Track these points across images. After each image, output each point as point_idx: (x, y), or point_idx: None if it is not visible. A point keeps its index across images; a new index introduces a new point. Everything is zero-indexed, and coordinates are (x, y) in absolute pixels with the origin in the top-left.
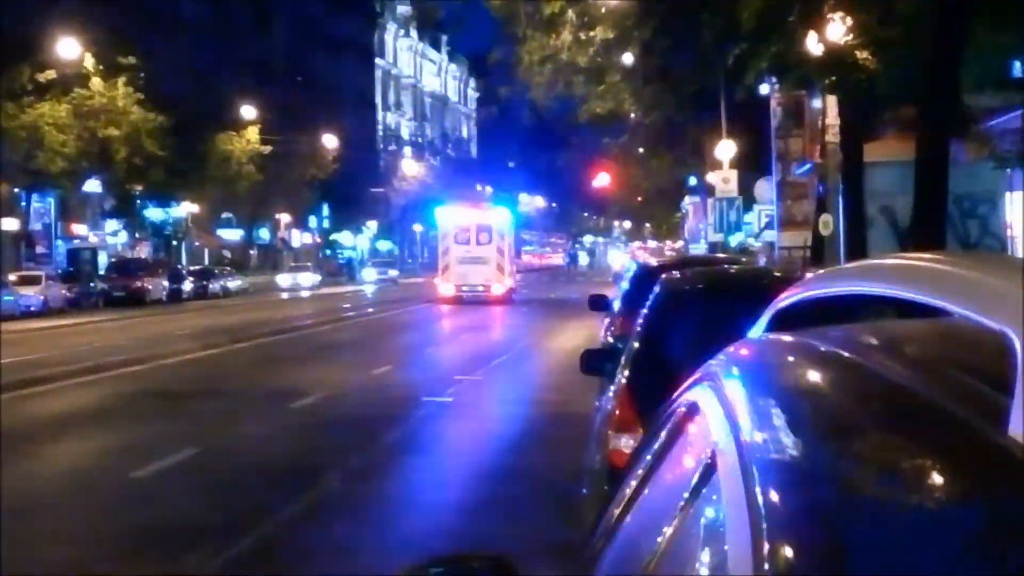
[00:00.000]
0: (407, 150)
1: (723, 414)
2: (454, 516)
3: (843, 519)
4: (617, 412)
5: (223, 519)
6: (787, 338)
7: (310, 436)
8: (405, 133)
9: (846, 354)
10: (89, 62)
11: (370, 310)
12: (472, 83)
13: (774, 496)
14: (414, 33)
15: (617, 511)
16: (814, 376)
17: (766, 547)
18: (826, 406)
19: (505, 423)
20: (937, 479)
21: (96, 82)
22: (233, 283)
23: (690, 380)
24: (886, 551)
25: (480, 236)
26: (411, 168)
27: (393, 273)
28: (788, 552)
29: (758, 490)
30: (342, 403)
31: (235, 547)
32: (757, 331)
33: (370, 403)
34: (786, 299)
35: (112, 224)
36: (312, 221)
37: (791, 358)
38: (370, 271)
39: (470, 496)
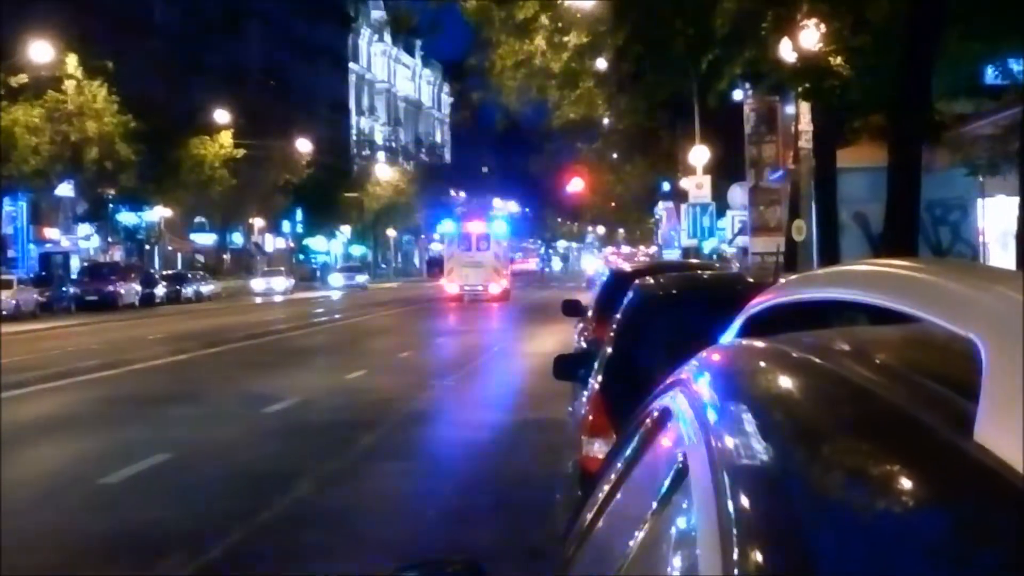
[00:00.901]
0: (381, 155)
1: (695, 419)
2: (425, 522)
3: (812, 524)
4: (590, 417)
5: (194, 526)
6: (759, 343)
7: (283, 441)
8: (379, 138)
9: (817, 360)
10: (72, 64)
11: (344, 315)
12: (446, 88)
13: (744, 501)
14: (388, 38)
15: (589, 516)
16: (785, 382)
17: (736, 552)
18: (796, 411)
19: (478, 429)
20: (905, 484)
21: (71, 84)
22: (206, 287)
23: (662, 385)
24: (854, 556)
25: (480, 243)
26: (385, 173)
27: (362, 279)
28: (758, 557)
29: (728, 495)
30: (315, 408)
31: (205, 555)
32: (729, 336)
33: (343, 408)
34: (758, 305)
35: (85, 228)
36: (285, 226)
37: (762, 363)
38: (337, 277)
39: (443, 502)
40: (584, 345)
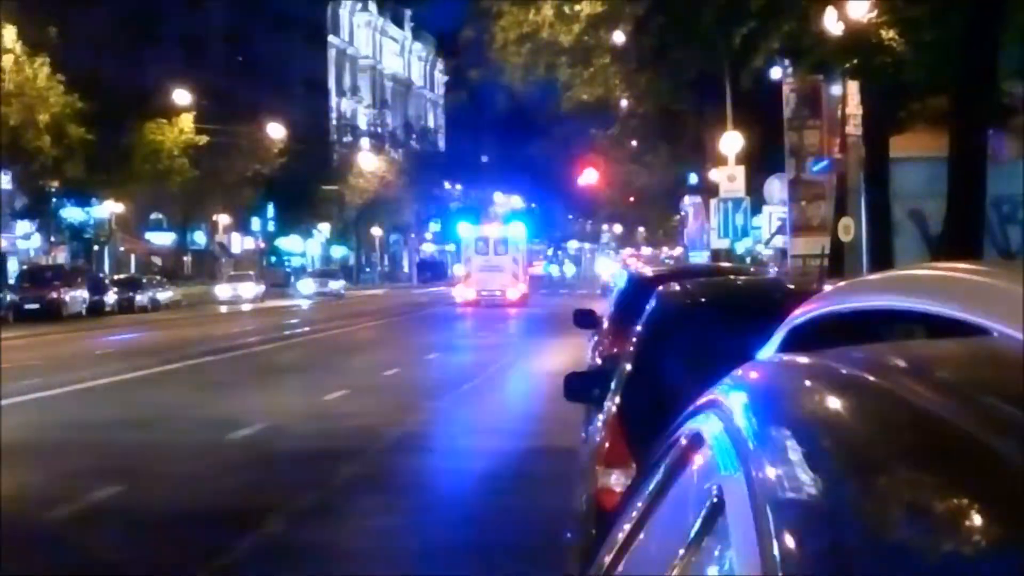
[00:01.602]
0: (365, 142)
1: (731, 446)
2: (413, 566)
3: (868, 566)
4: (607, 445)
5: (145, 570)
6: (803, 359)
7: (249, 473)
8: (362, 122)
9: (871, 378)
10: (9, 36)
11: (322, 326)
12: (439, 65)
13: (790, 540)
14: (373, 7)
15: (608, 558)
16: (834, 403)
17: None
18: (848, 437)
19: (475, 459)
20: (974, 521)
21: (8, 60)
22: (163, 294)
23: (692, 408)
24: None
25: (497, 247)
26: (369, 163)
27: (336, 285)
28: None
29: (772, 533)
30: (287, 435)
31: None
32: (769, 351)
33: (320, 435)
34: (802, 315)
35: (24, 226)
36: (255, 223)
37: (808, 382)
38: (307, 283)
39: (435, 544)
40: (599, 362)
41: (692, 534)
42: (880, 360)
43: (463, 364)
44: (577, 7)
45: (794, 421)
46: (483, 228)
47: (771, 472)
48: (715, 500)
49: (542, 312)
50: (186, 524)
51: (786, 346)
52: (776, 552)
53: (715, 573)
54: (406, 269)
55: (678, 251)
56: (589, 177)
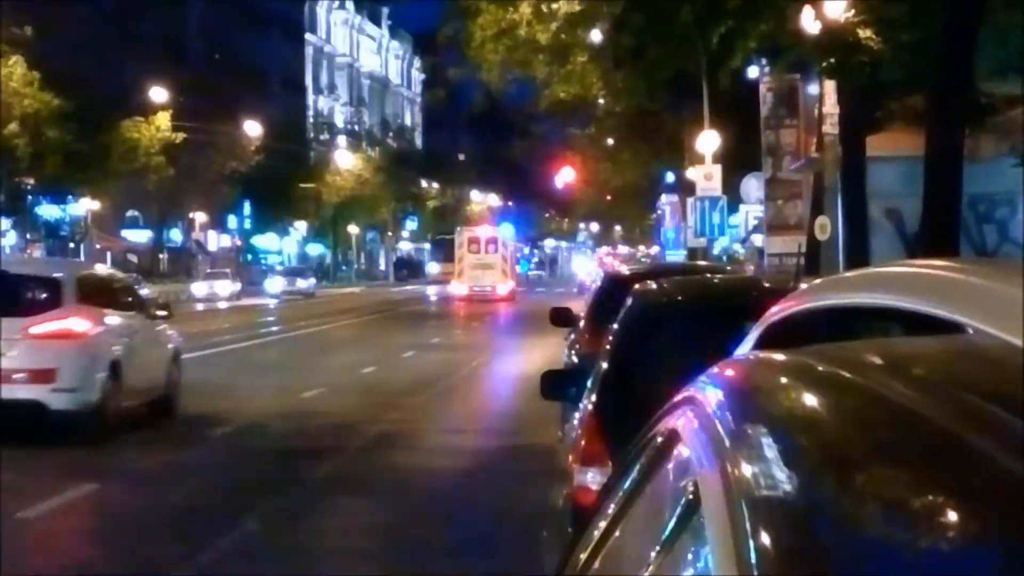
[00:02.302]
0: (341, 140)
1: (707, 444)
2: (393, 563)
3: (845, 563)
4: (583, 443)
5: (120, 569)
6: (779, 356)
7: (224, 472)
8: (339, 120)
9: (847, 375)
10: None
11: (299, 325)
12: (417, 63)
13: (766, 537)
14: (350, 5)
15: (584, 555)
16: (811, 400)
17: None
18: (825, 434)
19: (453, 456)
20: (951, 516)
21: None
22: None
23: (668, 405)
24: None
25: (488, 246)
26: (346, 161)
27: (305, 284)
28: None
29: (748, 530)
30: (263, 433)
31: None
32: (745, 349)
33: (296, 433)
34: (778, 313)
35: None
36: (231, 221)
37: (784, 379)
38: (276, 281)
39: (411, 541)
40: (576, 360)
41: (668, 531)
42: (856, 357)
43: (439, 362)
44: (555, 5)
45: (770, 418)
46: (475, 229)
47: (747, 469)
48: (691, 497)
49: (519, 309)
50: (160, 522)
51: (762, 343)
52: (752, 549)
53: (691, 570)
54: (383, 267)
55: (655, 250)
56: (566, 175)
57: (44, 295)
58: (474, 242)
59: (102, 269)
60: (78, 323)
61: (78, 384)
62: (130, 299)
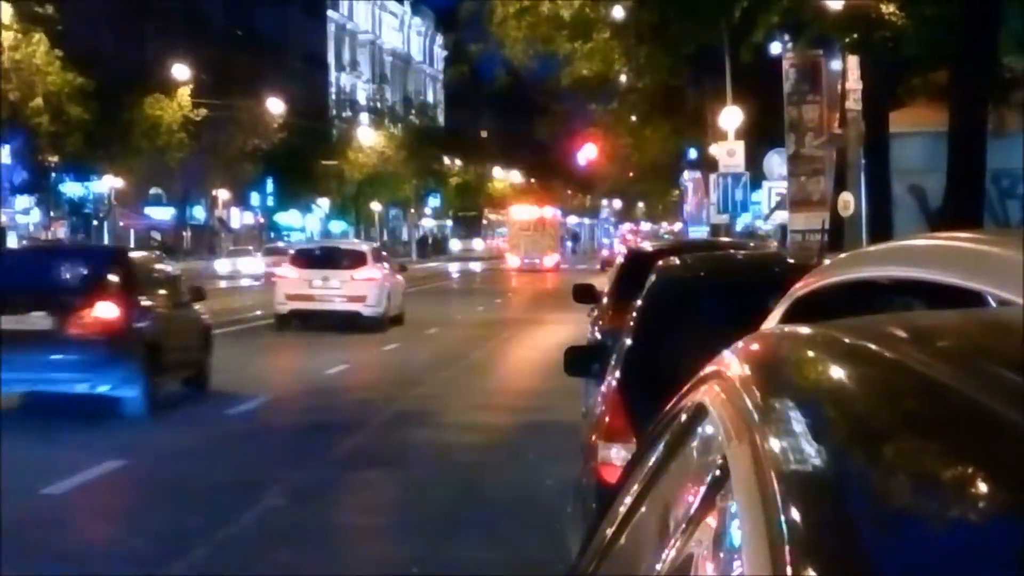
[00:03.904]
0: (364, 117)
1: (734, 417)
2: (421, 538)
3: (875, 535)
4: (607, 419)
5: (148, 542)
6: (805, 330)
7: (249, 447)
8: (362, 97)
9: (874, 347)
10: (7, 13)
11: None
12: (439, 40)
13: (796, 509)
14: None
15: (609, 531)
16: (839, 372)
17: (788, 570)
18: (853, 407)
19: (477, 432)
20: (981, 489)
21: (8, 37)
22: None
23: (694, 379)
24: (923, 572)
25: (537, 224)
26: (368, 137)
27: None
28: (813, 574)
29: (778, 503)
30: (287, 409)
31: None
32: (771, 323)
33: (322, 408)
34: (804, 287)
35: (23, 201)
36: (254, 199)
37: (812, 352)
38: (248, 263)
39: (434, 514)
40: (599, 336)
41: (696, 505)
42: (882, 329)
43: (460, 339)
44: None
45: (798, 391)
46: (527, 209)
47: (776, 442)
48: (718, 472)
49: (542, 286)
50: (186, 497)
51: (788, 318)
52: (783, 522)
53: (719, 545)
54: (405, 243)
55: (677, 226)
56: (589, 152)
57: (357, 259)
58: (525, 221)
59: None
60: (377, 272)
61: (376, 301)
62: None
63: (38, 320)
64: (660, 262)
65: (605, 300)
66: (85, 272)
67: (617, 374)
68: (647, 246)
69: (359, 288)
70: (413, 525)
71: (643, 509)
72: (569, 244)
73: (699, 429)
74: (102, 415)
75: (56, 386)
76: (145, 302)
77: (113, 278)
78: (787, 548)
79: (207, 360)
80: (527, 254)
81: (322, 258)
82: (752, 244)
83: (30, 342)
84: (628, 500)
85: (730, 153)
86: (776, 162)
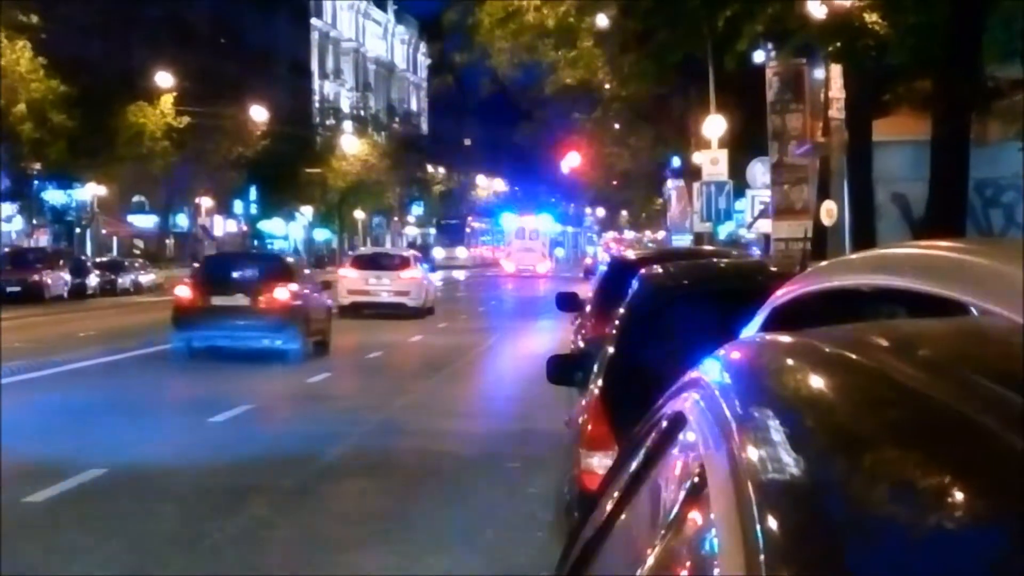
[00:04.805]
0: (347, 125)
1: (713, 425)
2: (397, 543)
3: (852, 543)
4: (589, 427)
5: (129, 551)
6: (785, 338)
7: (232, 455)
8: (345, 105)
9: (853, 356)
10: None
11: None
12: (423, 48)
13: (773, 518)
14: None
15: (589, 538)
16: (817, 381)
17: None
18: (831, 415)
19: (458, 440)
20: (959, 496)
21: None
22: (146, 277)
23: (674, 387)
24: None
25: (531, 234)
26: (352, 145)
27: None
28: None
29: (755, 511)
30: (270, 418)
31: None
32: (751, 331)
33: (302, 418)
34: (784, 295)
35: (6, 208)
36: (237, 206)
37: (790, 360)
38: None
39: (418, 520)
40: (582, 345)
41: (674, 513)
42: (862, 338)
43: (444, 347)
44: None
45: (777, 399)
46: (522, 219)
47: (753, 450)
48: (696, 479)
49: (526, 295)
50: (170, 504)
51: (768, 326)
52: (759, 530)
53: (697, 552)
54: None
55: (661, 234)
56: (572, 160)
57: (403, 262)
58: (520, 231)
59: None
60: (418, 273)
61: (418, 295)
62: None
63: (237, 299)
64: (643, 270)
65: (588, 308)
66: (263, 269)
67: (600, 382)
68: (630, 254)
69: (404, 285)
70: (395, 533)
71: (623, 517)
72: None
73: (678, 437)
74: (272, 360)
75: (246, 342)
76: (299, 289)
77: (280, 273)
78: (762, 557)
79: (329, 330)
80: (521, 261)
81: (375, 261)
82: (734, 253)
83: (232, 313)
84: (609, 507)
85: (713, 161)
86: (759, 170)
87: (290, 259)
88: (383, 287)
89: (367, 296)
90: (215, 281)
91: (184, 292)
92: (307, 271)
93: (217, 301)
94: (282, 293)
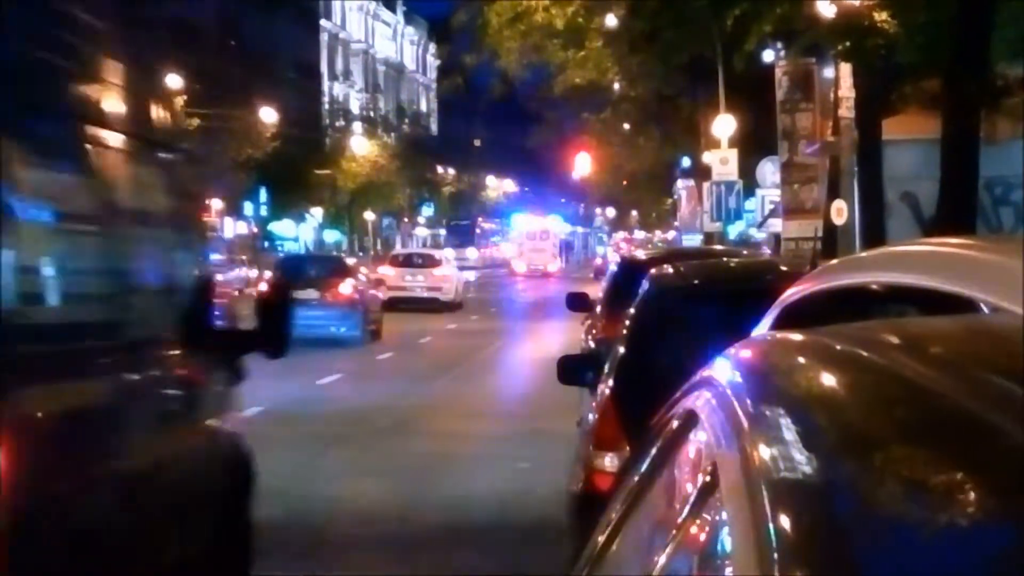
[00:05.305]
0: (357, 126)
1: (725, 424)
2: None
3: (865, 543)
4: (599, 427)
5: None
6: (796, 336)
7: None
8: (355, 106)
9: (864, 354)
10: None
11: None
12: (432, 49)
13: (785, 516)
14: None
15: (601, 538)
16: (829, 379)
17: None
18: (843, 413)
19: (469, 441)
20: (972, 495)
21: None
22: None
23: (685, 386)
24: None
25: (542, 235)
26: (362, 147)
27: None
28: None
29: (767, 509)
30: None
31: None
32: (762, 330)
33: (313, 418)
34: (795, 294)
35: None
36: (247, 208)
37: (801, 359)
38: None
39: (430, 521)
40: (592, 345)
41: (686, 512)
42: (873, 336)
43: (453, 348)
44: None
45: (788, 398)
46: (532, 220)
47: (765, 450)
48: (708, 478)
49: (536, 295)
50: None
51: (779, 324)
52: (771, 529)
53: (709, 552)
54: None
55: (671, 234)
56: (582, 161)
57: (436, 262)
58: (531, 231)
59: None
60: (451, 271)
61: (450, 291)
62: None
63: (309, 293)
64: (653, 270)
65: (599, 308)
66: (328, 268)
67: (610, 382)
68: (640, 254)
69: (438, 282)
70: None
71: (635, 516)
72: (563, 253)
73: (690, 436)
74: (341, 344)
75: (317, 330)
76: (358, 285)
77: (343, 271)
78: (776, 556)
79: (381, 319)
80: (532, 261)
81: (411, 261)
82: (745, 252)
83: (304, 306)
84: (620, 507)
85: (723, 161)
86: (769, 170)
87: (349, 260)
88: (418, 283)
89: (404, 291)
90: (290, 279)
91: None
92: (363, 270)
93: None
94: (346, 288)
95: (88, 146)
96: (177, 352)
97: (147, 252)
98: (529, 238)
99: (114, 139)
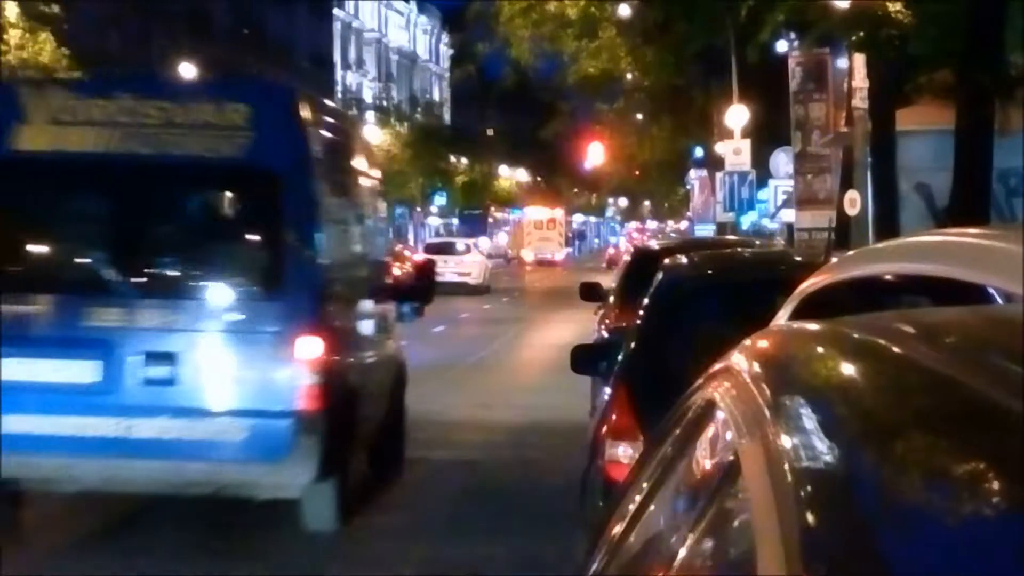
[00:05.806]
0: (370, 115)
1: (745, 414)
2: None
3: (887, 531)
4: (614, 417)
5: None
6: (815, 326)
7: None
8: (368, 96)
9: (882, 343)
10: (12, 12)
11: None
12: (445, 39)
13: (809, 507)
14: None
15: (619, 528)
16: (848, 369)
17: (801, 566)
18: (864, 403)
19: (485, 431)
20: (993, 483)
21: (15, 35)
22: None
23: (704, 376)
24: (935, 567)
25: (549, 224)
26: (375, 136)
27: None
28: (826, 571)
29: (791, 499)
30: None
31: None
32: (781, 320)
33: (461, 337)
34: (813, 284)
35: None
36: None
37: (820, 349)
38: None
39: (442, 510)
40: (606, 334)
41: (707, 501)
42: (891, 326)
43: (467, 337)
44: None
45: (808, 387)
46: (540, 210)
47: (787, 438)
48: (730, 468)
49: (548, 285)
50: None
51: (797, 315)
52: (795, 518)
53: (731, 540)
54: (412, 243)
55: (684, 225)
56: (595, 151)
57: (466, 248)
58: (539, 221)
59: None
60: (479, 257)
61: (478, 275)
62: None
63: None
64: (667, 260)
65: (612, 298)
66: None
67: (624, 372)
68: (654, 244)
69: (467, 267)
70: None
71: (653, 506)
72: (576, 243)
73: (709, 425)
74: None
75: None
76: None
77: (393, 256)
78: (800, 544)
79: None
80: (539, 250)
81: (443, 247)
82: (758, 243)
83: None
84: (637, 497)
85: (736, 151)
86: (782, 160)
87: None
88: (449, 268)
89: (437, 276)
90: None
91: None
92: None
93: None
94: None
95: (355, 187)
96: (383, 293)
97: (374, 235)
98: (537, 228)
99: (364, 180)
